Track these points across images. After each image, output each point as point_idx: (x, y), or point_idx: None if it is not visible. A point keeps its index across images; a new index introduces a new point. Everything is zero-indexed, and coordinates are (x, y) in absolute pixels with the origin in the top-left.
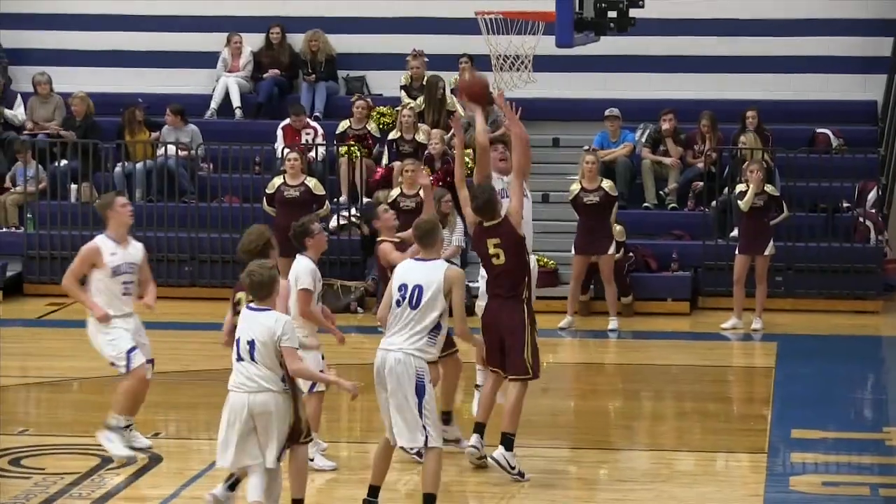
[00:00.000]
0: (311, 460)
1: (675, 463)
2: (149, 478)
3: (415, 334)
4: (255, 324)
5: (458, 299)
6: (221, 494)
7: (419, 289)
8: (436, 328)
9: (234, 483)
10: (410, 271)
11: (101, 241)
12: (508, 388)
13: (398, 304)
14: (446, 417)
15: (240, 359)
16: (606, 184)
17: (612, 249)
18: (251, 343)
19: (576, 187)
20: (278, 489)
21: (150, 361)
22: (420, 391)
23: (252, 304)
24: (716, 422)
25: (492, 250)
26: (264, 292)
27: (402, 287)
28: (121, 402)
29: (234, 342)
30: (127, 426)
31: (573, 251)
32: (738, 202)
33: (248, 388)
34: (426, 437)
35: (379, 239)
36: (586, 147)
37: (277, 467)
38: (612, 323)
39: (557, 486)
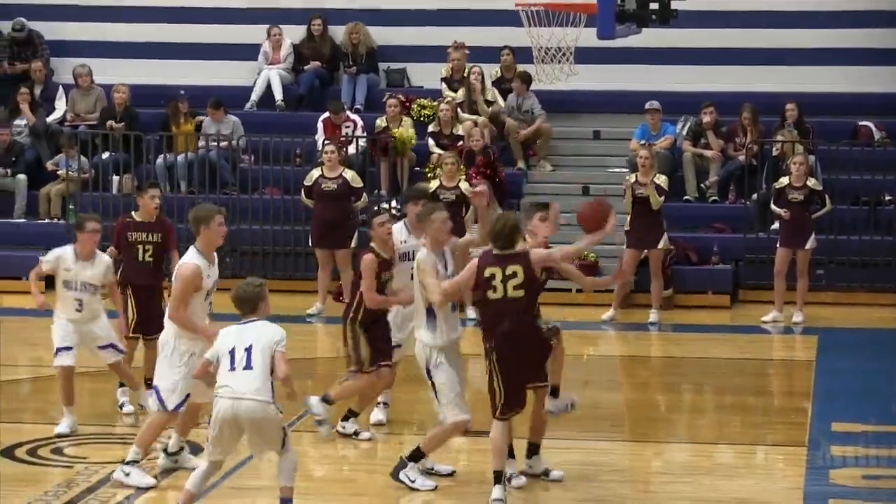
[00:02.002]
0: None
1: (715, 456)
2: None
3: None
4: (250, 333)
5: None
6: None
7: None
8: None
9: None
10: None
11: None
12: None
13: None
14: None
15: (232, 368)
16: (660, 178)
17: (662, 243)
18: (248, 350)
19: (630, 179)
20: (291, 465)
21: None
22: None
23: (242, 321)
24: (756, 415)
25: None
26: (248, 307)
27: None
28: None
29: (229, 354)
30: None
31: (625, 245)
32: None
33: (237, 395)
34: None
35: (370, 246)
36: (643, 142)
37: (288, 447)
38: (653, 315)
39: (596, 478)
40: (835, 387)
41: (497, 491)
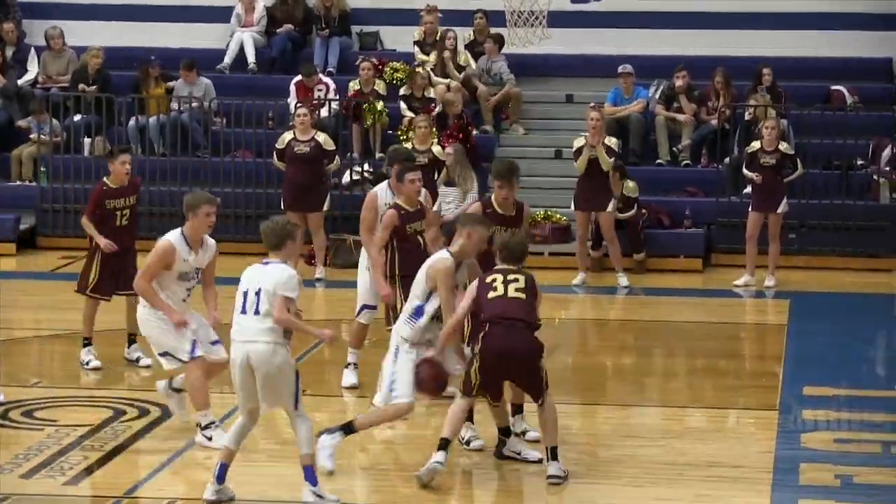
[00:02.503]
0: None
1: (687, 419)
2: (161, 430)
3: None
4: (263, 275)
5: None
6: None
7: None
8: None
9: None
10: None
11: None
12: None
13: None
14: None
15: (244, 311)
16: (611, 140)
17: (611, 206)
18: (258, 293)
19: (580, 142)
20: (307, 432)
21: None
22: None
23: (266, 259)
24: (728, 379)
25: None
26: (272, 242)
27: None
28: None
29: (242, 296)
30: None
31: (573, 207)
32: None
33: (247, 338)
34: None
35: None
36: (592, 104)
37: (300, 412)
38: (622, 279)
39: (568, 441)
40: (806, 351)
41: (439, 455)
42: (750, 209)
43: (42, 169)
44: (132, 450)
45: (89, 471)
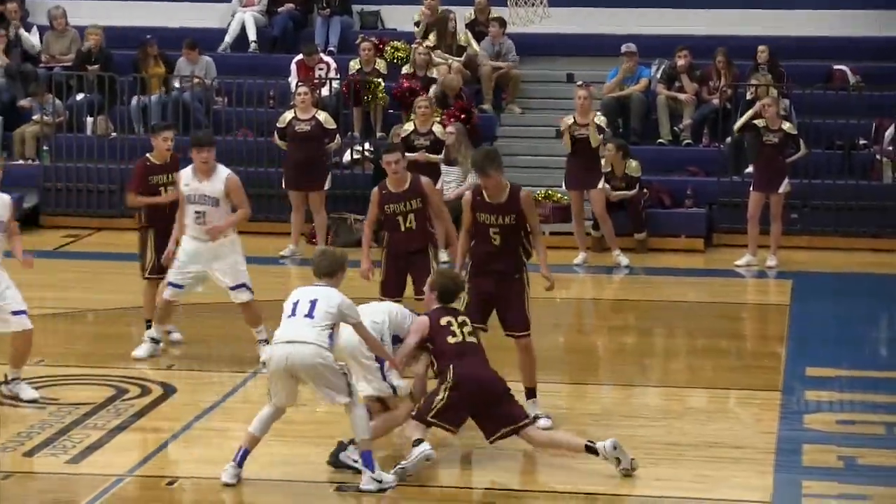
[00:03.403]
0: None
1: (688, 399)
2: (163, 409)
3: None
4: (318, 291)
5: None
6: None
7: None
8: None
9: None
10: None
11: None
12: None
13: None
14: None
15: (293, 315)
16: (600, 118)
17: (601, 184)
18: (313, 302)
19: (568, 120)
20: (362, 420)
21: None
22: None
23: (315, 283)
24: (729, 359)
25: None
26: (328, 269)
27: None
28: None
29: (292, 305)
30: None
31: (564, 186)
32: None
33: (291, 339)
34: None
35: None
36: (579, 82)
37: (355, 401)
38: (622, 258)
39: (569, 421)
40: (809, 331)
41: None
42: (751, 189)
43: (45, 148)
44: (134, 428)
45: (91, 449)
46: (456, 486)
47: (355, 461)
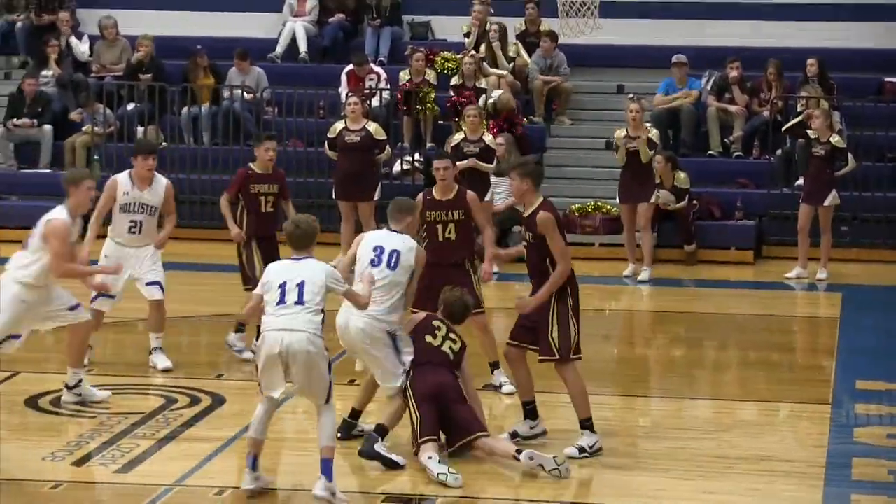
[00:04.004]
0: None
1: (738, 412)
2: (212, 419)
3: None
4: (304, 269)
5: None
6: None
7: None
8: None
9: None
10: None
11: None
12: None
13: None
14: None
15: (282, 302)
16: (652, 132)
17: (654, 197)
18: (300, 285)
19: (621, 133)
20: (331, 426)
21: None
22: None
23: (291, 257)
24: (779, 372)
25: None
26: (306, 242)
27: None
28: None
29: (279, 288)
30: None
31: (617, 200)
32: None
33: (285, 327)
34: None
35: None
36: (630, 95)
37: (329, 406)
38: (645, 273)
39: (619, 433)
40: (859, 344)
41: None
42: (801, 201)
43: (95, 157)
44: (183, 438)
45: (140, 459)
46: (509, 499)
47: (388, 452)
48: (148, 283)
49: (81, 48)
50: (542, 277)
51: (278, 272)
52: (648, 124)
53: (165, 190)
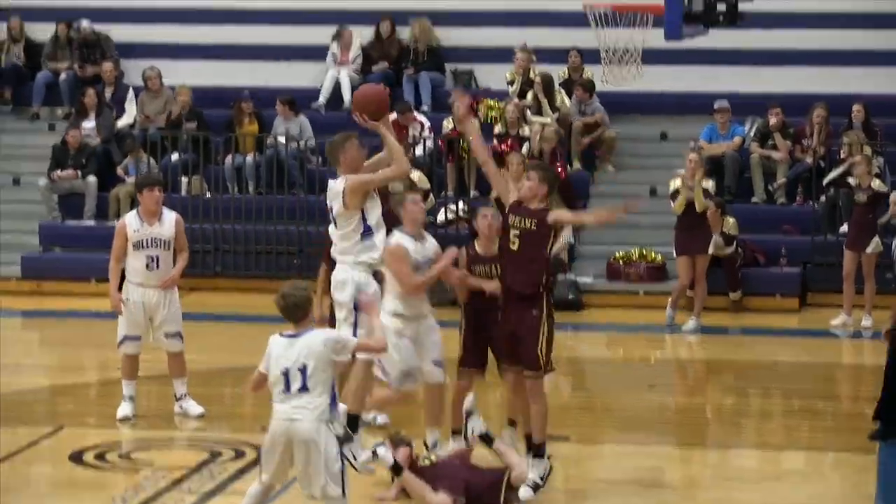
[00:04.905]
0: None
1: (784, 462)
2: (257, 472)
3: None
4: (303, 350)
5: None
6: None
7: None
8: None
9: None
10: None
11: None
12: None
13: None
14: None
15: (287, 391)
16: (707, 183)
17: (711, 248)
18: (303, 370)
19: (676, 183)
20: None
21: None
22: None
23: (288, 332)
24: (825, 420)
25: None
26: (300, 314)
27: None
28: None
29: (282, 376)
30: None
31: (675, 253)
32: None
33: (293, 417)
34: None
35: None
36: (692, 144)
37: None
38: (691, 322)
39: (664, 484)
40: None
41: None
42: (845, 247)
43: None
44: (229, 491)
45: None
46: None
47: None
48: (168, 336)
49: (129, 108)
50: (533, 265)
51: (278, 357)
52: (705, 175)
53: (176, 224)
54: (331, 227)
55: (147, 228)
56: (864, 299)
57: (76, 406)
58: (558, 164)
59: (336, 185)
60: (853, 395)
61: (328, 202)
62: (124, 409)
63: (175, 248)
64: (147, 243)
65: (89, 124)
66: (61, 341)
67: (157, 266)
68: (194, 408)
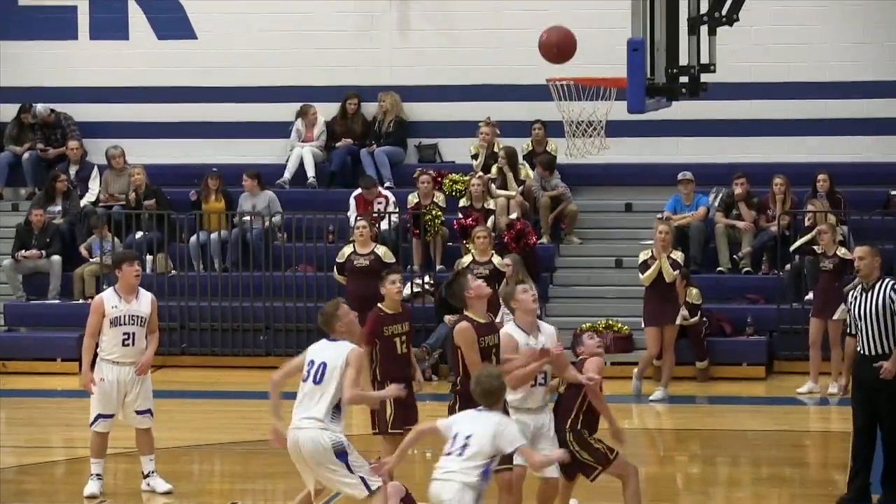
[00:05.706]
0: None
1: None
2: None
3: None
4: (331, 350)
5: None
6: None
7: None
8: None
9: None
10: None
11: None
12: None
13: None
14: None
15: (305, 379)
16: (676, 254)
17: (679, 318)
18: (322, 366)
19: (645, 254)
20: None
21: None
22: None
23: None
24: (793, 487)
25: None
26: (329, 325)
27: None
28: None
29: (307, 364)
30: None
31: (643, 325)
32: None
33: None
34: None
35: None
36: (660, 215)
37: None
38: (658, 392)
39: None
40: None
41: None
42: (811, 315)
43: (104, 286)
44: None
45: None
46: None
47: None
48: (138, 412)
49: (92, 186)
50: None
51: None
52: (680, 252)
53: (151, 303)
54: (308, 383)
55: (125, 305)
56: (831, 366)
57: (43, 485)
58: (529, 232)
59: (340, 349)
60: (821, 462)
61: (322, 358)
62: (91, 487)
63: (147, 329)
64: (125, 320)
65: (56, 208)
66: (27, 421)
67: (133, 343)
68: (162, 485)
